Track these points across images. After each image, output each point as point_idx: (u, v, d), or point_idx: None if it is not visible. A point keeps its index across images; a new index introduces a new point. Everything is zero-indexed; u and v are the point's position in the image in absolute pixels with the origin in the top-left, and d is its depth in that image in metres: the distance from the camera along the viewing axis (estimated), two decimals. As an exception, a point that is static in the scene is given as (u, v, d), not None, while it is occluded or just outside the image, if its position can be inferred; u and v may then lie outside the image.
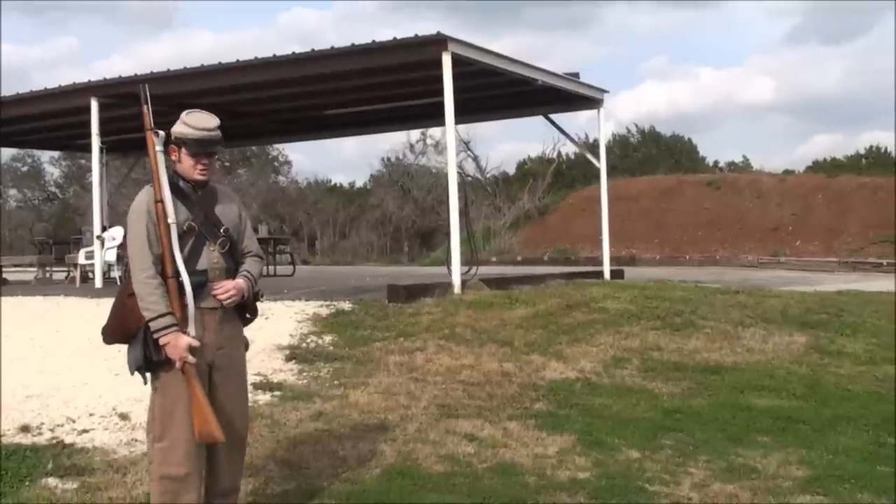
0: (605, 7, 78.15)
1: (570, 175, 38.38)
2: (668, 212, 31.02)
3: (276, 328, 8.95)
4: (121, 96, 13.96)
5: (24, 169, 44.40)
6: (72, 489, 4.63)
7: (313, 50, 12.48)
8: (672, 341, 9.02)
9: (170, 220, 3.59)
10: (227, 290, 3.72)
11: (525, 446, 5.58)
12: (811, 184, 30.58)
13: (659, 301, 10.85)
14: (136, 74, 13.73)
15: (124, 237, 14.13)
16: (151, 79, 13.48)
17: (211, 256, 3.73)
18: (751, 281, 16.85)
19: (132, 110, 15.15)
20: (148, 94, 3.73)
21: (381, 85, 14.14)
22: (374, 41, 11.90)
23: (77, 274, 15.41)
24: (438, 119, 12.73)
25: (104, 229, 14.84)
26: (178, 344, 3.55)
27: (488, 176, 39.41)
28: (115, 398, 6.43)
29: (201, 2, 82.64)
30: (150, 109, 3.72)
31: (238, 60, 12.98)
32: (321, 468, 5.04)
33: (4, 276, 17.12)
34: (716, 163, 42.19)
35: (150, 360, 3.59)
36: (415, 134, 39.49)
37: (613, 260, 17.00)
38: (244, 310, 3.88)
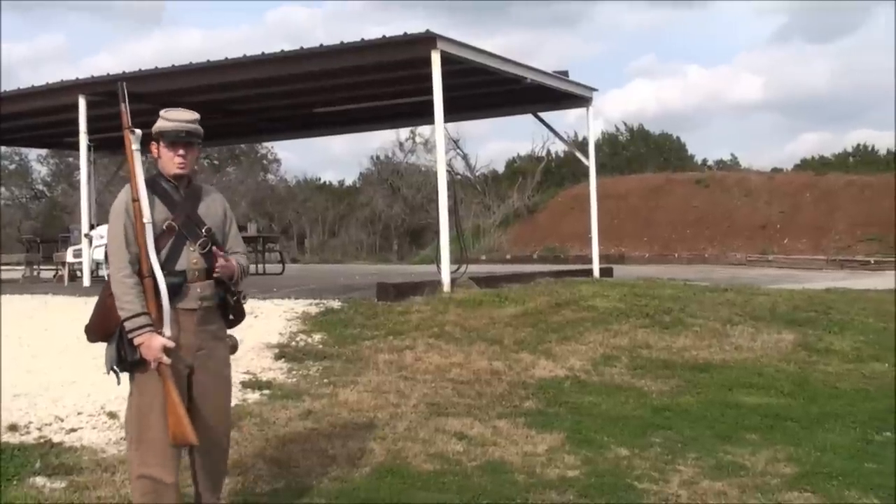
0: (594, 5, 78.29)
1: (559, 173, 38.44)
2: (657, 210, 31.09)
3: (265, 327, 8.93)
4: (109, 94, 13.87)
5: (12, 167, 44.16)
6: (60, 488, 4.61)
7: (302, 48, 12.48)
8: (661, 339, 9.05)
9: (145, 220, 3.56)
10: (225, 260, 3.70)
11: (514, 444, 5.59)
12: (799, 182, 30.69)
13: (648, 299, 10.87)
14: (124, 72, 13.69)
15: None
16: (139, 76, 13.44)
17: (191, 257, 3.68)
18: (739, 279, 16.92)
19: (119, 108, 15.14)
20: (125, 92, 3.71)
21: (371, 83, 14.13)
22: (363, 39, 11.89)
23: (65, 272, 15.35)
24: (428, 117, 12.73)
25: (92, 227, 14.77)
26: (151, 345, 3.52)
27: (478, 174, 39.45)
28: (103, 397, 6.40)
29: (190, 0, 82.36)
30: (128, 108, 3.69)
31: (227, 58, 12.95)
32: (310, 467, 5.04)
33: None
34: (704, 161, 42.36)
35: (124, 360, 3.57)
36: (404, 132, 39.54)
37: (602, 258, 17.03)
38: (226, 311, 3.85)
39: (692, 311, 10.26)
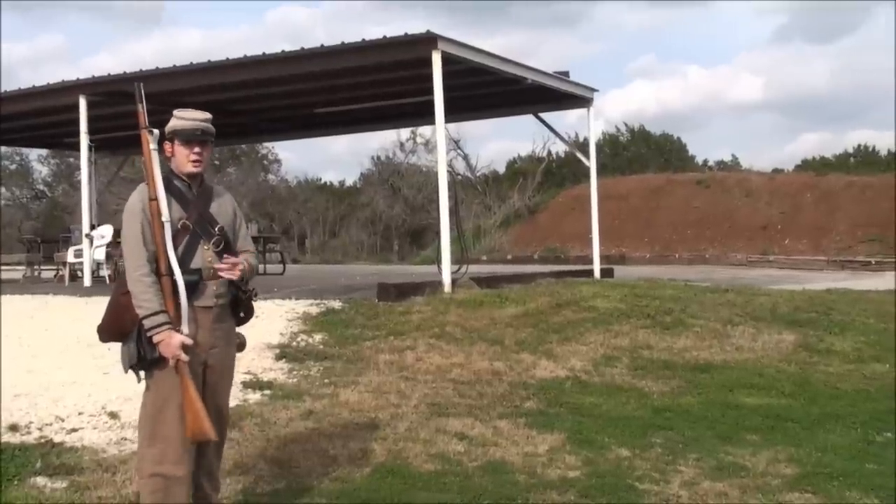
0: (593, 5, 78.29)
1: (559, 174, 38.41)
2: (658, 210, 31.08)
3: (266, 327, 8.92)
4: (109, 94, 13.90)
5: (13, 167, 44.18)
6: (61, 488, 4.62)
7: (303, 48, 12.49)
8: (662, 340, 9.05)
9: (163, 218, 3.59)
10: (231, 262, 3.71)
11: (515, 445, 5.59)
12: (800, 182, 30.68)
13: (649, 300, 10.87)
14: (124, 72, 13.70)
15: (113, 236, 14.21)
16: (141, 77, 13.45)
17: (205, 255, 3.71)
18: (740, 279, 16.91)
19: (121, 108, 15.11)
20: (143, 92, 3.73)
21: (371, 83, 14.14)
22: (363, 39, 11.90)
23: (66, 272, 15.34)
24: (428, 117, 12.73)
25: (93, 227, 14.78)
26: (171, 342, 3.54)
27: (478, 174, 39.42)
28: (104, 397, 6.41)
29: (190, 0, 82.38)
30: (145, 108, 3.72)
31: (228, 58, 12.96)
32: (311, 467, 5.04)
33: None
34: (705, 161, 42.34)
35: (143, 358, 3.59)
36: (405, 132, 39.51)
37: (603, 258, 17.04)
38: (237, 308, 3.86)
39: (693, 312, 10.26)
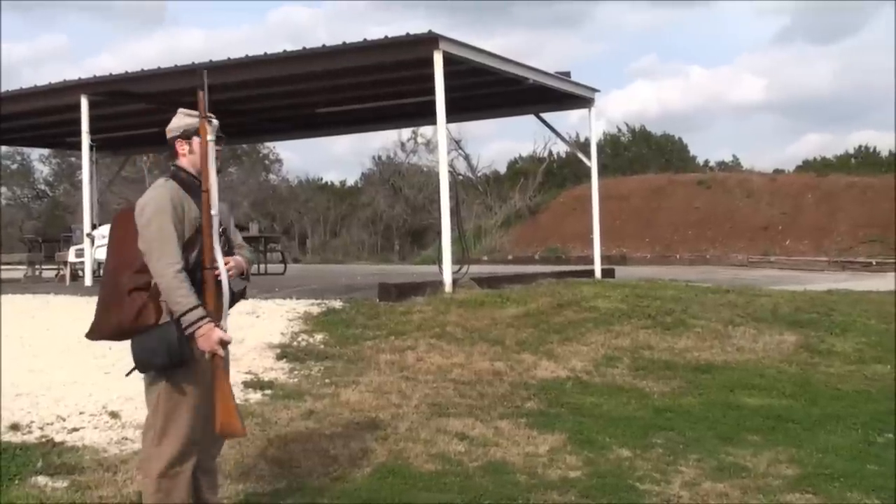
0: (595, 5, 78.28)
1: (560, 174, 38.44)
2: (659, 211, 31.09)
3: (267, 327, 8.93)
4: (111, 94, 13.91)
5: (14, 167, 44.21)
6: (62, 488, 4.62)
7: (305, 48, 12.48)
8: (663, 340, 9.04)
9: (213, 212, 3.59)
10: (229, 266, 3.69)
11: (516, 445, 5.59)
12: (801, 183, 30.69)
13: (650, 300, 10.87)
14: (126, 72, 13.70)
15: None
16: (142, 77, 13.45)
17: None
18: (741, 280, 16.91)
19: (122, 108, 15.14)
20: (206, 80, 3.71)
21: (373, 83, 14.14)
22: (365, 40, 11.90)
23: (67, 272, 15.35)
24: (430, 117, 12.72)
25: (94, 227, 14.78)
26: (212, 336, 3.51)
27: (479, 175, 39.46)
28: (105, 396, 6.41)
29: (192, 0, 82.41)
30: (206, 96, 3.67)
31: (230, 58, 12.94)
32: (312, 467, 5.04)
33: (-6, 274, 17.05)
34: (706, 162, 42.38)
35: (182, 359, 3.53)
36: (406, 132, 39.53)
37: (604, 259, 17.02)
38: (233, 303, 3.84)
39: (694, 312, 10.26)
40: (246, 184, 41.52)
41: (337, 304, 10.36)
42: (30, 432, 5.69)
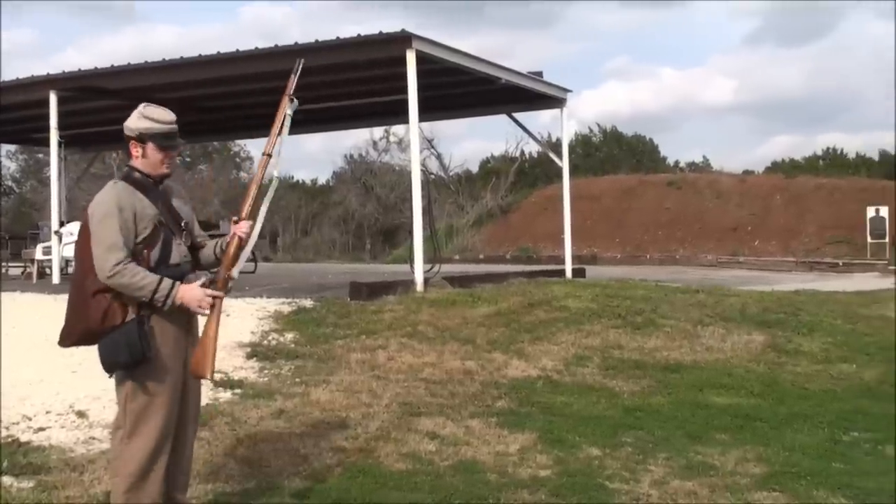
0: (568, 5, 78.56)
1: (532, 174, 38.56)
2: (630, 211, 31.27)
3: (237, 326, 8.88)
4: (80, 90, 13.76)
5: (-20, 162, 43.63)
6: (27, 488, 4.56)
7: (277, 45, 12.40)
8: (632, 340, 9.10)
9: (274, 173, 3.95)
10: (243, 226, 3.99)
11: (487, 444, 5.60)
12: (770, 184, 31.00)
13: (620, 300, 10.93)
14: (95, 67, 13.56)
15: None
16: (112, 73, 13.32)
17: (180, 250, 3.70)
18: (710, 280, 17.04)
19: (91, 104, 14.99)
20: (300, 66, 4.04)
21: (345, 81, 14.11)
22: (338, 38, 11.88)
23: (34, 270, 15.19)
24: (402, 116, 12.74)
25: (62, 224, 14.63)
26: (194, 293, 3.56)
27: (451, 174, 39.47)
28: (72, 396, 6.35)
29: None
30: (296, 80, 3.97)
31: (200, 55, 12.86)
32: (282, 466, 5.02)
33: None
34: (676, 163, 42.70)
35: (145, 356, 3.49)
36: (378, 131, 39.46)
37: (575, 259, 17.11)
38: None
39: (663, 312, 10.33)
40: (216, 181, 41.28)
41: (308, 303, 10.33)
42: (-5, 432, 5.61)
